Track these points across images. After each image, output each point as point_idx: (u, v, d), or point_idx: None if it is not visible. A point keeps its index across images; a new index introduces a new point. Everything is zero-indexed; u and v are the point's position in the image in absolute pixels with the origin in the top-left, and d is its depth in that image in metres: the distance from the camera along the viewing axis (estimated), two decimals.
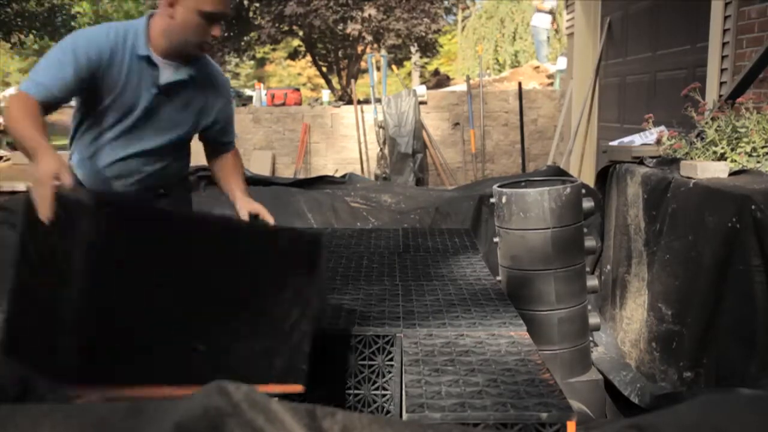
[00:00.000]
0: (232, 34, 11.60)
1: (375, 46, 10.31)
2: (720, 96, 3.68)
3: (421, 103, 8.38)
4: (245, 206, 2.05)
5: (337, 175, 5.68)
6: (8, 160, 8.38)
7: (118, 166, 2.06)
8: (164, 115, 2.03)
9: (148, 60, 1.93)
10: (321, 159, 8.72)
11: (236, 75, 29.16)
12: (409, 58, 14.75)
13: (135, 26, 1.95)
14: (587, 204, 2.66)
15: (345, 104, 8.97)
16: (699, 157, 2.83)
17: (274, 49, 16.98)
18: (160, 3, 1.90)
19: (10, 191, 5.41)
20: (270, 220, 2.03)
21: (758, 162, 2.66)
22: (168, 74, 1.98)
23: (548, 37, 11.37)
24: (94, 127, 2.01)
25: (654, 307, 2.75)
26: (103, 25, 1.95)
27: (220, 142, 2.22)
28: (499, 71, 15.51)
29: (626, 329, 3.06)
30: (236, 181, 2.16)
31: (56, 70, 1.82)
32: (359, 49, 10.80)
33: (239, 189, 2.13)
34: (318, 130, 8.69)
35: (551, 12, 10.87)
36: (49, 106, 1.83)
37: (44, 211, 1.28)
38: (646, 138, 3.51)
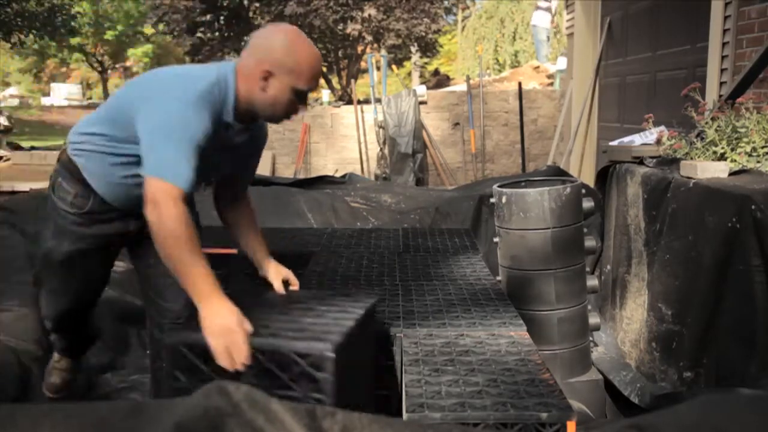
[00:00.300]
0: (232, 34, 11.61)
1: (375, 46, 10.31)
2: (720, 96, 3.68)
3: (421, 103, 8.38)
4: (277, 274, 1.99)
5: (337, 175, 5.68)
6: (8, 160, 8.38)
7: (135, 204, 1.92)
8: (213, 162, 1.92)
9: (228, 125, 1.83)
10: (321, 159, 8.72)
11: None
12: (409, 58, 14.76)
13: (225, 90, 1.77)
14: (587, 204, 2.66)
15: (345, 104, 8.97)
16: (699, 157, 2.83)
17: None
18: (250, 71, 1.76)
19: (10, 191, 5.41)
20: (296, 284, 2.00)
21: (758, 162, 2.66)
22: (238, 136, 1.89)
23: (548, 37, 11.37)
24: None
25: (654, 307, 2.75)
26: (202, 96, 1.71)
27: (241, 185, 2.09)
28: (499, 71, 15.51)
29: (626, 329, 3.06)
30: (258, 241, 2.06)
31: (189, 156, 1.65)
32: (359, 49, 10.81)
33: (263, 251, 2.04)
34: (318, 130, 8.69)
35: (548, 9, 10.84)
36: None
37: (242, 358, 1.48)
38: (646, 138, 3.51)
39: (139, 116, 1.72)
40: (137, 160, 1.78)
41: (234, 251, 3.20)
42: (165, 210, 1.59)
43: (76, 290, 2.13)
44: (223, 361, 1.49)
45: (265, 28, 1.83)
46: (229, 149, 1.90)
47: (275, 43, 1.74)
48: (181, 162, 1.63)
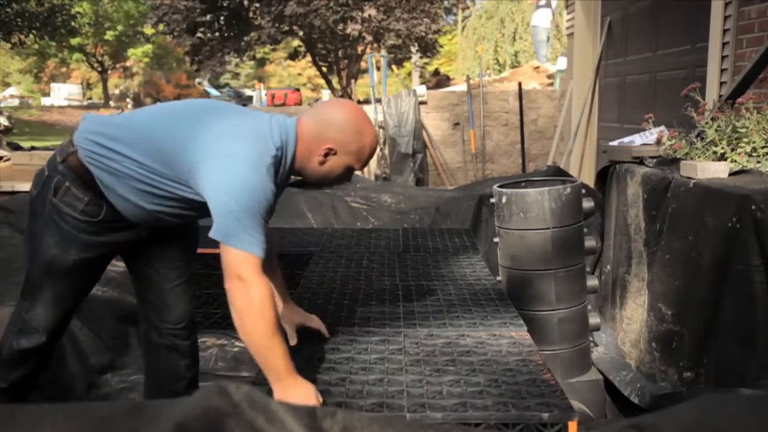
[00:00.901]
0: (232, 34, 11.61)
1: (375, 46, 10.31)
2: (720, 96, 3.68)
3: (421, 103, 8.38)
4: (295, 320, 1.91)
5: None
6: (8, 160, 8.38)
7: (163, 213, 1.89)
8: None
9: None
10: None
11: (236, 75, 29.20)
12: (409, 58, 14.77)
13: (286, 152, 1.73)
14: (587, 204, 2.66)
15: None
16: (699, 157, 2.83)
17: (274, 50, 16.99)
18: (313, 141, 1.73)
19: (10, 191, 5.41)
20: (324, 330, 1.92)
21: (758, 162, 2.66)
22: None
23: (548, 37, 11.36)
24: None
25: (654, 307, 2.75)
26: (272, 162, 1.66)
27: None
28: (499, 71, 15.51)
29: (626, 329, 3.06)
30: (279, 286, 1.95)
31: (262, 223, 1.62)
32: (359, 49, 10.81)
33: (283, 296, 1.95)
34: None
35: (548, 5, 10.83)
36: None
37: None
38: (646, 138, 3.51)
39: (201, 171, 1.64)
40: (177, 197, 1.77)
41: None
42: (255, 288, 1.54)
43: (75, 297, 2.00)
44: None
45: (336, 101, 1.82)
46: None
47: (344, 123, 1.72)
48: (258, 230, 1.58)
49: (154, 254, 2.06)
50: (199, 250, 2.20)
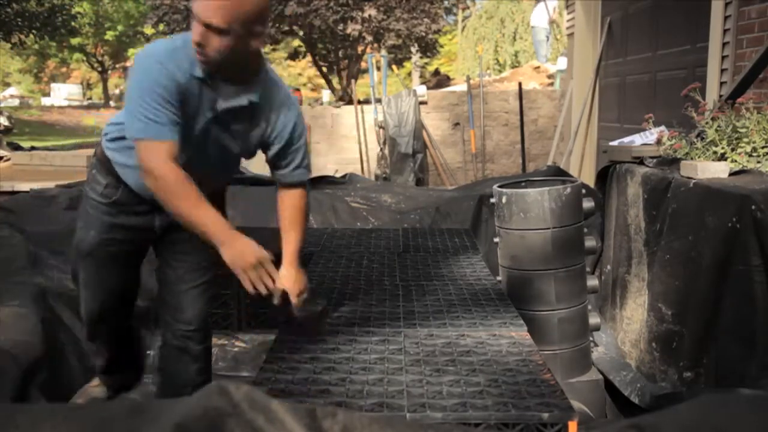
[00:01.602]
0: None
1: (375, 46, 10.30)
2: (720, 96, 3.68)
3: (422, 103, 8.38)
4: (281, 280, 1.89)
5: (338, 175, 5.67)
6: (8, 160, 8.38)
7: None
8: (221, 137, 1.91)
9: (201, 80, 1.81)
10: (321, 159, 8.71)
11: None
12: (409, 58, 14.76)
13: (188, 44, 1.78)
14: (587, 204, 2.66)
15: (345, 104, 8.97)
16: (699, 157, 2.83)
17: (274, 50, 16.97)
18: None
19: (10, 191, 5.41)
20: (294, 299, 1.92)
21: (758, 162, 2.66)
22: (228, 100, 1.85)
23: (547, 37, 11.35)
24: None
25: (654, 307, 2.75)
26: (165, 50, 1.78)
27: (277, 166, 2.01)
28: (500, 71, 15.51)
29: (626, 329, 3.06)
30: (288, 240, 1.98)
31: (159, 106, 1.72)
32: (359, 49, 10.80)
33: (288, 252, 1.97)
34: (318, 131, 8.69)
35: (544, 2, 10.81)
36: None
37: (271, 281, 1.78)
38: (647, 138, 3.51)
39: None
40: None
41: None
42: (157, 172, 1.72)
43: (103, 286, 2.15)
44: (257, 287, 1.78)
45: None
46: (221, 115, 1.85)
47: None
48: (154, 114, 1.72)
49: (174, 255, 2.14)
50: None
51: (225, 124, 1.89)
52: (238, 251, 1.75)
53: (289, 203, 2.02)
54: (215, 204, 1.87)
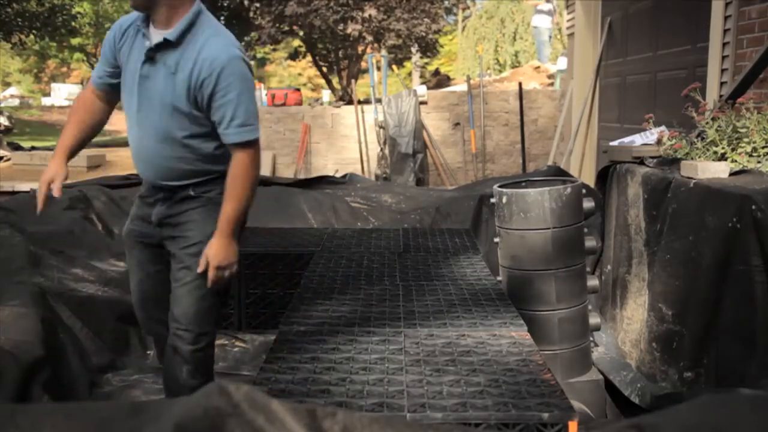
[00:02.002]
0: (232, 34, 11.59)
1: (375, 46, 10.30)
2: (720, 96, 3.68)
3: (422, 103, 8.38)
4: (206, 250, 2.01)
5: (338, 175, 5.67)
6: (8, 160, 8.38)
7: (136, 156, 2.14)
8: (153, 84, 1.99)
9: (139, 29, 2.02)
10: (321, 159, 8.71)
11: None
12: (409, 58, 14.75)
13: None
14: (588, 204, 2.66)
15: (345, 104, 8.97)
16: (699, 157, 2.83)
17: (274, 50, 16.98)
18: None
19: (10, 191, 5.41)
20: (211, 275, 2.00)
21: (759, 162, 2.66)
22: (154, 40, 1.99)
23: (550, 37, 11.36)
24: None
25: (654, 307, 2.75)
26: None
27: (215, 124, 2.00)
28: (500, 71, 15.51)
29: (627, 329, 3.06)
30: (223, 210, 2.01)
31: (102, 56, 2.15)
32: (359, 49, 10.80)
33: (219, 222, 2.00)
34: (318, 131, 8.69)
35: (549, 12, 10.85)
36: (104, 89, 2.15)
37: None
38: (647, 138, 3.51)
39: None
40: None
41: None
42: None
43: (132, 274, 2.30)
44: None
45: None
46: (149, 56, 1.98)
47: None
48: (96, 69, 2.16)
49: (168, 253, 2.19)
50: None
51: (155, 64, 1.99)
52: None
53: (229, 170, 2.01)
54: (186, 203, 2.10)
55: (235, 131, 1.95)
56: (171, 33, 1.95)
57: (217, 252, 1.98)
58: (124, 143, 12.37)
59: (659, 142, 3.19)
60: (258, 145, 2.01)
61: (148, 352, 3.00)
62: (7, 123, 11.60)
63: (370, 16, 9.66)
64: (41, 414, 0.63)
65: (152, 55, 1.97)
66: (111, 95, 2.16)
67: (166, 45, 1.95)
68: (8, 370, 2.35)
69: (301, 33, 10.81)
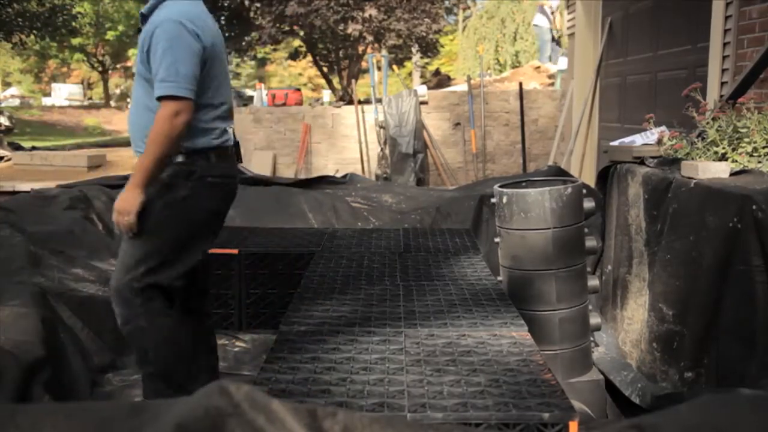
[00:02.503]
0: (233, 34, 11.61)
1: (376, 46, 10.31)
2: (721, 96, 3.68)
3: (422, 103, 8.38)
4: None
5: (338, 175, 5.67)
6: (9, 160, 8.38)
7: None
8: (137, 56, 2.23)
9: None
10: (322, 159, 8.71)
11: (237, 75, 29.20)
12: (410, 58, 14.76)
13: None
14: (588, 204, 2.66)
15: (346, 104, 8.97)
16: (700, 157, 2.83)
17: (275, 50, 16.99)
18: None
19: (10, 191, 5.41)
20: (113, 218, 2.18)
21: (759, 162, 2.66)
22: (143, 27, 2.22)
23: (552, 36, 11.36)
24: None
25: (655, 308, 2.75)
26: None
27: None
28: (500, 71, 15.50)
29: (627, 329, 3.06)
30: (138, 160, 2.18)
31: None
32: (360, 49, 10.80)
33: (134, 170, 2.17)
34: (319, 130, 8.69)
35: (552, 13, 10.86)
36: None
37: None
38: (647, 138, 3.51)
39: None
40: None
41: (235, 251, 3.20)
42: None
43: None
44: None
45: None
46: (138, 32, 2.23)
47: None
48: None
49: None
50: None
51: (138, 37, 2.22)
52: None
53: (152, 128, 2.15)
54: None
55: (158, 85, 2.10)
56: (145, 7, 2.22)
57: (120, 199, 2.16)
58: (124, 143, 12.36)
59: (660, 142, 3.18)
60: (182, 106, 2.10)
61: None
62: (7, 123, 11.61)
63: (370, 16, 9.66)
64: (41, 414, 0.63)
65: (139, 29, 2.22)
66: None
67: (142, 19, 2.22)
68: (9, 370, 2.35)
69: (302, 33, 10.82)
